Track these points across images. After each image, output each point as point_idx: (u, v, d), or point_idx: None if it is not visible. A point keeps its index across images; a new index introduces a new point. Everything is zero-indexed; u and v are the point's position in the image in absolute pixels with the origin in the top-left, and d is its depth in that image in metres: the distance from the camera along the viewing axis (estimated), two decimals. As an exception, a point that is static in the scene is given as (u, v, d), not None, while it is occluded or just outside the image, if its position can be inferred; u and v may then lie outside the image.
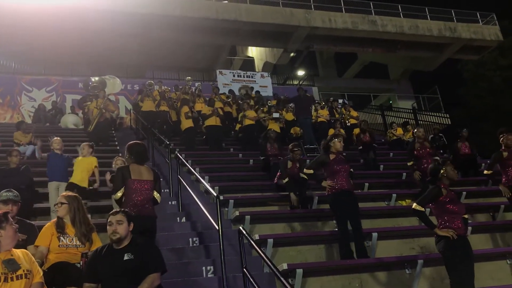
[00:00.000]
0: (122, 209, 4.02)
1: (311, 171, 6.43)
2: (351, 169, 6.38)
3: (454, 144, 10.96)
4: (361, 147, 11.20)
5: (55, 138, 7.77)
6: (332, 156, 6.22)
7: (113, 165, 7.52)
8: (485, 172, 7.18)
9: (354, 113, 14.44)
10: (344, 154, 6.72)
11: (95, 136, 11.29)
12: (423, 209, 4.83)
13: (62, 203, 4.45)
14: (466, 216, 4.97)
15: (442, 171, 4.86)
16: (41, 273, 3.43)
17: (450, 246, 4.61)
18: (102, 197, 7.81)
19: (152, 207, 4.94)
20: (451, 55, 25.92)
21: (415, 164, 8.29)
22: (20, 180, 6.96)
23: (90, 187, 7.50)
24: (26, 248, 3.85)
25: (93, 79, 13.89)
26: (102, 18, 18.76)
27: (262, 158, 9.75)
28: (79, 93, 18.00)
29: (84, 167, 7.44)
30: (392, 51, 24.89)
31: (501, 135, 7.19)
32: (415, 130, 8.92)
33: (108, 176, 7.45)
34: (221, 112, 12.26)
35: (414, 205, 4.87)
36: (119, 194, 4.80)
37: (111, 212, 3.94)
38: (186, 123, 11.74)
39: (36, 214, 6.99)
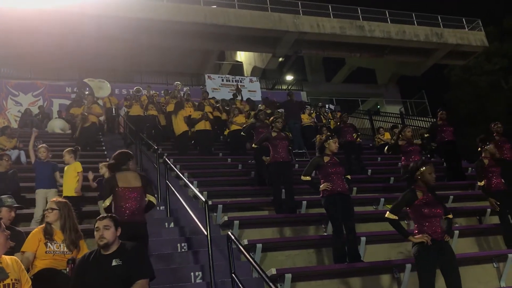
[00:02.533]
0: (109, 214, 4.00)
1: (309, 178, 6.29)
2: (349, 176, 6.35)
3: (435, 122, 10.66)
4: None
5: (41, 146, 7.64)
6: (326, 159, 6.19)
7: (100, 171, 7.49)
8: (480, 184, 7.19)
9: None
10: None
11: (82, 141, 11.20)
12: (396, 217, 4.71)
13: (52, 209, 4.41)
14: (450, 216, 4.88)
15: (418, 172, 4.75)
16: (30, 283, 3.37)
17: (424, 251, 4.54)
18: (90, 203, 7.74)
19: (142, 213, 4.93)
20: (438, 60, 26.22)
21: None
22: (7, 186, 6.91)
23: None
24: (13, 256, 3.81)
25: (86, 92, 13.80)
26: (89, 23, 18.64)
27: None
28: (66, 97, 17.94)
29: (70, 175, 7.32)
30: (380, 56, 25.11)
31: (480, 143, 7.33)
32: (404, 130, 8.91)
33: (90, 176, 7.42)
34: (211, 116, 12.22)
35: (387, 213, 4.76)
36: (107, 202, 4.82)
37: (98, 217, 3.92)
38: (183, 127, 11.67)
39: (19, 220, 6.88)
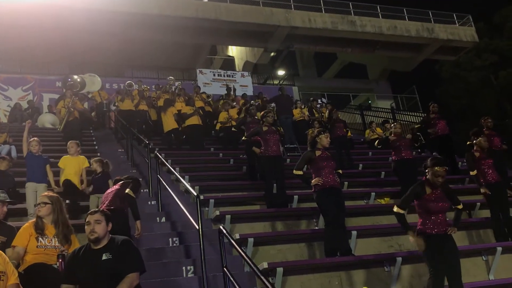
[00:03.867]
0: (101, 209, 3.99)
1: (301, 172, 6.33)
2: (340, 171, 6.38)
3: (427, 115, 10.77)
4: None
5: (33, 139, 7.57)
6: (318, 153, 6.22)
7: (91, 167, 7.43)
8: (472, 173, 7.29)
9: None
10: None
11: (67, 135, 11.14)
12: (404, 212, 4.79)
13: (45, 203, 4.38)
14: (459, 206, 4.97)
15: (429, 169, 4.76)
16: (16, 274, 3.37)
17: (426, 245, 4.65)
18: (85, 198, 7.67)
19: (115, 203, 5.52)
20: (429, 55, 26.33)
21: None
22: (4, 182, 6.93)
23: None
24: (4, 251, 3.78)
25: (74, 77, 13.64)
26: (80, 17, 18.48)
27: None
28: (56, 92, 17.74)
29: (75, 166, 7.31)
30: (371, 51, 25.15)
31: (473, 137, 7.43)
32: (392, 125, 9.00)
33: (84, 173, 7.42)
34: (201, 112, 12.19)
35: (395, 208, 4.82)
36: None
37: (89, 211, 3.91)
38: (172, 124, 11.62)
39: (10, 215, 6.82)
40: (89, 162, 7.59)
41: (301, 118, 13.73)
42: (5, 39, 18.87)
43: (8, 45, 19.18)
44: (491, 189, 6.92)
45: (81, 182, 7.39)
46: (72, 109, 11.25)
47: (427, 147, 12.81)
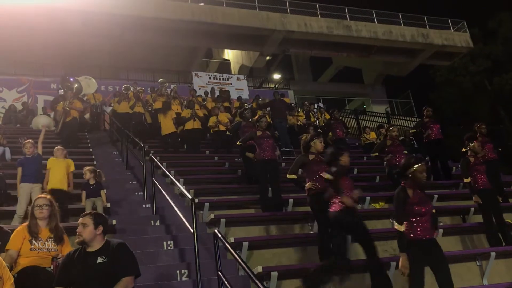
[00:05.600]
0: (94, 211, 3.98)
1: (294, 176, 6.36)
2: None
3: (421, 119, 10.70)
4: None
5: (27, 141, 7.50)
6: (311, 157, 6.24)
7: (84, 177, 7.36)
8: (466, 180, 7.27)
9: (327, 117, 14.53)
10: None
11: (64, 137, 11.09)
12: (404, 228, 4.60)
13: (47, 205, 4.36)
14: (434, 210, 4.84)
15: (410, 170, 4.64)
16: (12, 280, 3.35)
17: (412, 251, 4.56)
18: (76, 200, 7.64)
19: None
20: (424, 60, 26.44)
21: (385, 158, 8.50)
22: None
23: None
24: (-1, 255, 3.77)
25: (75, 85, 13.56)
26: (75, 18, 18.46)
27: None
28: (51, 94, 17.68)
29: (61, 169, 7.19)
30: (366, 56, 25.23)
31: (467, 142, 7.47)
32: (390, 129, 9.01)
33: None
34: (201, 114, 12.16)
35: (397, 226, 4.62)
36: None
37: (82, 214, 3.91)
38: (171, 127, 11.59)
39: (3, 217, 6.75)
40: (81, 168, 7.49)
41: (299, 124, 13.76)
42: None
43: (3, 46, 19.11)
44: (482, 195, 6.94)
45: (68, 185, 7.27)
46: (68, 109, 11.22)
47: (421, 151, 12.85)
